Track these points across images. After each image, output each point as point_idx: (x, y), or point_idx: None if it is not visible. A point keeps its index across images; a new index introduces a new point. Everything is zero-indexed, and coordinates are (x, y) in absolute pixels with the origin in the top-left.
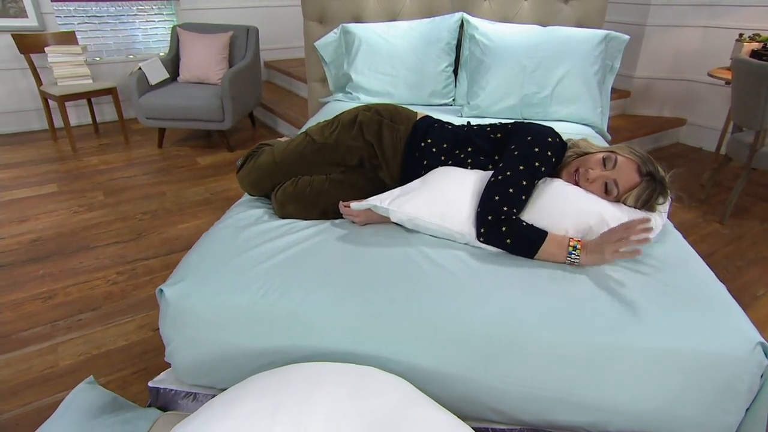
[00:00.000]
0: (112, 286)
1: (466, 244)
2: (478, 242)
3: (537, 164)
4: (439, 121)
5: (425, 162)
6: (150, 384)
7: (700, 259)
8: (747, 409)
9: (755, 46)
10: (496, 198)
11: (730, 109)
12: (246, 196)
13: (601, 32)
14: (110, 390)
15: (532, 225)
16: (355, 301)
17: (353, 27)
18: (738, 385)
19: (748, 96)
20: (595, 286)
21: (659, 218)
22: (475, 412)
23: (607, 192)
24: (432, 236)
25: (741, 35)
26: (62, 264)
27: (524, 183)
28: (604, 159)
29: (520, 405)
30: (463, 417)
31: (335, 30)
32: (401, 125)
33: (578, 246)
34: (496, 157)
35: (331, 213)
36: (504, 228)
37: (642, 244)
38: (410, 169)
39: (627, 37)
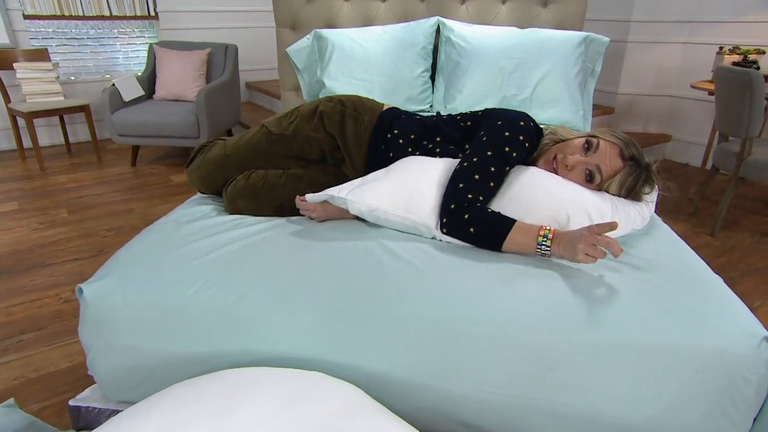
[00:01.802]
0: (63, 304)
1: (432, 238)
2: (445, 235)
3: (507, 149)
4: (406, 111)
5: (391, 154)
6: (70, 403)
7: (692, 250)
8: (755, 419)
9: (735, 58)
10: (461, 185)
11: (715, 121)
12: (198, 195)
13: (581, 34)
14: (45, 416)
15: (498, 212)
16: (301, 297)
17: (326, 32)
18: (744, 388)
19: (732, 104)
20: (577, 279)
21: (646, 208)
22: (441, 425)
23: (588, 179)
24: (396, 230)
25: (721, 48)
26: (11, 282)
27: (492, 169)
28: (584, 144)
29: (494, 417)
30: (427, 431)
31: (308, 36)
32: (365, 116)
33: (549, 236)
34: (467, 146)
35: (287, 210)
36: (467, 216)
37: (611, 248)
38: (376, 163)
39: (607, 39)
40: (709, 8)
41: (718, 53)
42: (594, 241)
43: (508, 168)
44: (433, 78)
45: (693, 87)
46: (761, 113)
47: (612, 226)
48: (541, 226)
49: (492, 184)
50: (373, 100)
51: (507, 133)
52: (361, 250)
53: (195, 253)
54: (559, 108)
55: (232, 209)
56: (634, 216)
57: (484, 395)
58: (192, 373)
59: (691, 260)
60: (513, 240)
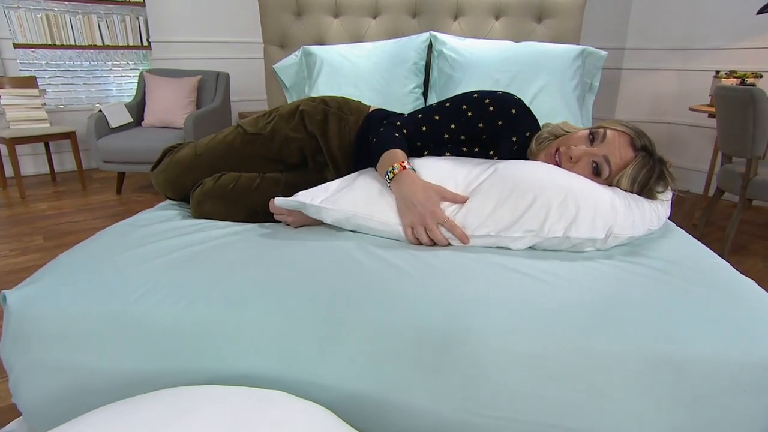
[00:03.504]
0: None
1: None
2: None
3: (464, 107)
4: (394, 112)
5: None
6: None
7: (716, 255)
8: None
9: (733, 81)
10: (399, 122)
11: (717, 142)
12: (165, 201)
13: (578, 47)
14: None
15: (401, 137)
16: (263, 301)
17: (314, 48)
18: None
19: (734, 123)
20: (586, 279)
21: (662, 208)
22: None
23: (596, 173)
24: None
25: (718, 72)
26: None
27: (436, 117)
28: (589, 134)
29: None
30: None
31: (296, 52)
32: (351, 116)
33: (397, 169)
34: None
35: (261, 215)
36: (381, 129)
37: (454, 232)
38: (361, 167)
39: (605, 53)
40: (703, 35)
41: (715, 77)
42: (438, 221)
43: (454, 126)
44: (425, 95)
45: (692, 110)
46: (766, 132)
47: (462, 200)
48: (402, 161)
49: (425, 128)
50: (359, 102)
51: (475, 95)
52: (338, 250)
53: (146, 256)
54: (557, 121)
55: (199, 213)
56: (650, 215)
57: (479, 419)
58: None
59: (717, 263)
60: (381, 161)
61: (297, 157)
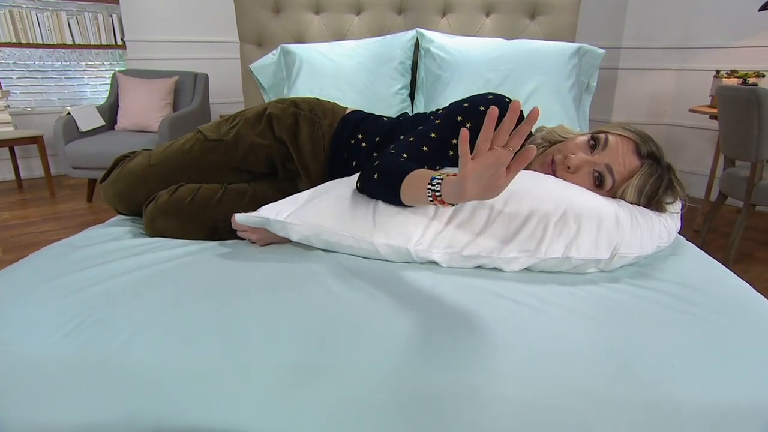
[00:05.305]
0: None
1: (406, 262)
2: (420, 255)
3: (459, 119)
4: (371, 114)
5: (354, 163)
6: None
7: (734, 274)
8: None
9: (734, 81)
10: (392, 149)
11: (717, 146)
12: (116, 217)
13: (574, 45)
14: None
15: (409, 162)
16: (213, 341)
17: (294, 47)
18: None
19: (737, 125)
20: (590, 311)
21: (671, 221)
22: None
23: (598, 184)
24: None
25: (718, 71)
26: None
27: (432, 135)
28: (589, 140)
29: None
30: None
31: (274, 51)
32: (324, 119)
33: (441, 180)
34: None
35: (224, 232)
36: (377, 163)
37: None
38: (336, 175)
39: (602, 51)
40: (702, 33)
41: (715, 77)
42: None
43: (455, 141)
44: (412, 97)
45: (692, 111)
46: None
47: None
48: (445, 173)
49: (425, 148)
50: (334, 103)
51: (465, 105)
52: (307, 276)
53: (79, 284)
54: (552, 125)
55: (152, 231)
56: (659, 230)
57: None
58: None
59: (737, 285)
60: (409, 187)
61: (265, 166)
